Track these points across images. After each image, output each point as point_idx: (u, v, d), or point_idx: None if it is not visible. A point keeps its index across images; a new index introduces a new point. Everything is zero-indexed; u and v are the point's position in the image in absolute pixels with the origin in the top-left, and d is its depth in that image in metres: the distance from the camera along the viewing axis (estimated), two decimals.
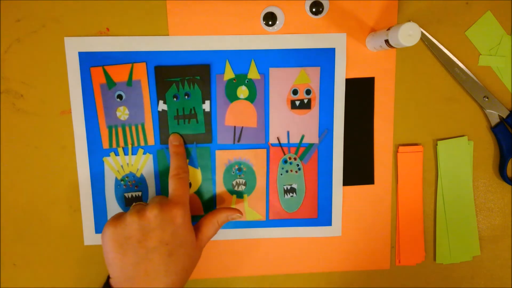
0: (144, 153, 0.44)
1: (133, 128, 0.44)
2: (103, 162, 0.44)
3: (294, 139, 0.45)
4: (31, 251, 0.45)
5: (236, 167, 0.45)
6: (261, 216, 0.46)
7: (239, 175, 0.45)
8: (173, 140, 0.43)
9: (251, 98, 0.44)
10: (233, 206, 0.46)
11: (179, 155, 0.42)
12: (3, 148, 0.44)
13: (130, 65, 0.43)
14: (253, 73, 0.44)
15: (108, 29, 0.43)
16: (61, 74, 0.43)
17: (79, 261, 0.45)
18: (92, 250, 0.45)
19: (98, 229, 0.45)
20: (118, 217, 0.38)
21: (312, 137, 0.45)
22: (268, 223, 0.46)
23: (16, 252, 0.45)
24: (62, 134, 0.44)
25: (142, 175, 0.45)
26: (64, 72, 0.43)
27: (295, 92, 0.44)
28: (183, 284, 0.39)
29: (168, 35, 0.43)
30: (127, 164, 0.44)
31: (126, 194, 0.45)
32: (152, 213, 0.37)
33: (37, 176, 0.44)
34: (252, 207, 0.46)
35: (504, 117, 0.46)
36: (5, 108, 0.43)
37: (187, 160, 0.44)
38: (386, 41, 0.39)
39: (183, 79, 0.43)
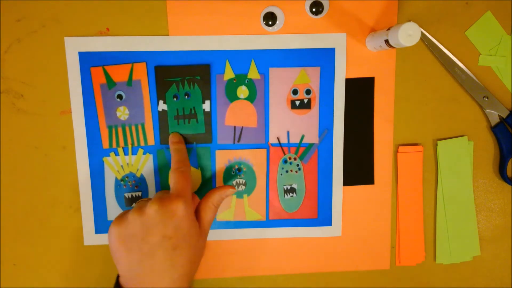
0: (144, 153, 0.44)
1: (133, 128, 0.44)
2: (103, 162, 0.44)
3: (294, 139, 0.45)
4: (31, 251, 0.45)
5: (236, 167, 0.45)
6: (261, 216, 0.46)
7: (239, 175, 0.45)
8: (173, 138, 0.43)
9: (251, 98, 0.44)
10: (233, 206, 0.46)
11: (180, 150, 0.43)
12: (3, 148, 0.44)
13: (130, 65, 0.43)
14: (253, 73, 0.44)
15: (108, 29, 0.43)
16: (61, 74, 0.43)
17: (79, 261, 0.45)
18: (92, 250, 0.45)
19: (98, 229, 0.45)
20: (121, 216, 0.38)
21: (312, 137, 0.45)
22: (268, 223, 0.46)
23: (16, 252, 0.45)
24: (62, 134, 0.44)
25: (142, 175, 0.45)
26: (64, 72, 0.43)
27: (295, 92, 0.44)
28: (192, 276, 0.39)
29: (168, 35, 0.43)
30: (127, 164, 0.44)
31: (126, 194, 0.45)
32: (152, 209, 0.37)
33: (37, 176, 0.44)
34: (252, 207, 0.46)
35: (504, 117, 0.46)
36: (5, 108, 0.43)
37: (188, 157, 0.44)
38: (386, 41, 0.39)
39: (183, 79, 0.43)
